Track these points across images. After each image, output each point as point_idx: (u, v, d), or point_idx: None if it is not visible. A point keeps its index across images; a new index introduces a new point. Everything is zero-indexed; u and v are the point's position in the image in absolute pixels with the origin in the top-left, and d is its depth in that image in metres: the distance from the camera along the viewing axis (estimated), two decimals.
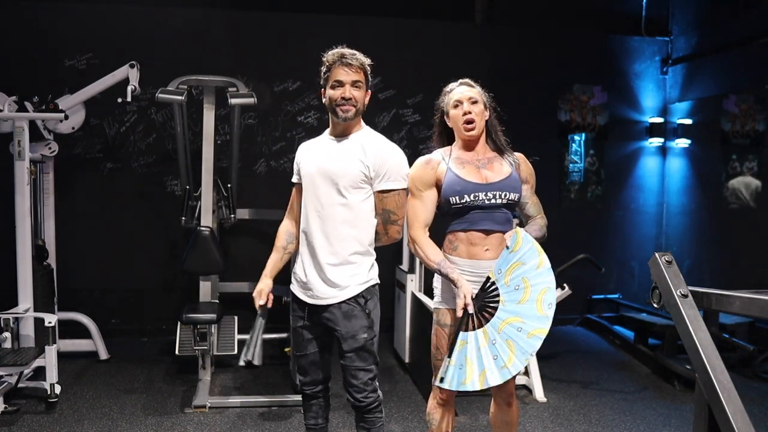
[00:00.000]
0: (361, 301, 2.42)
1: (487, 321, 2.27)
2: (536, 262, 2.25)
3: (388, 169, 2.40)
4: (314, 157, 2.45)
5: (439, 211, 2.46)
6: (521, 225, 2.44)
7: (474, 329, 2.27)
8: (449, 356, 2.30)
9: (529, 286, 2.24)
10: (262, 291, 2.50)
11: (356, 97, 2.36)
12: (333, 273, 2.39)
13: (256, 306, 2.51)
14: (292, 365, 4.13)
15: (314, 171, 2.41)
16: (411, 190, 2.45)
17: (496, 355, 2.21)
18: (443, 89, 2.53)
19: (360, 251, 2.42)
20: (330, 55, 2.39)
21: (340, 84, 2.35)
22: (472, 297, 2.28)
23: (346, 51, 2.39)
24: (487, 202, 2.36)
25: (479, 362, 2.23)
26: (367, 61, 2.41)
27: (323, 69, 2.41)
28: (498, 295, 2.27)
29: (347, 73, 2.35)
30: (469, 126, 2.41)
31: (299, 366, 2.56)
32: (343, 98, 2.35)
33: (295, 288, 2.52)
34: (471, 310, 2.26)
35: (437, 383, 2.35)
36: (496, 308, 2.27)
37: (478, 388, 2.23)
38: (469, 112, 2.40)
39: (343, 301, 2.40)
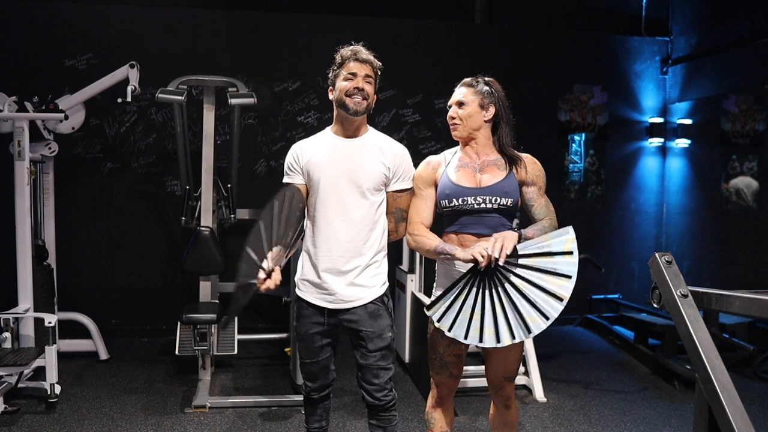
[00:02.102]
0: (385, 300, 2.45)
1: (503, 285, 2.22)
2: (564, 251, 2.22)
3: (404, 169, 2.45)
4: (330, 159, 2.38)
5: (436, 212, 2.47)
6: (521, 228, 2.41)
7: (491, 290, 2.23)
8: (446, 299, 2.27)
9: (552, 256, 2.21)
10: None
11: (368, 91, 2.36)
12: (359, 275, 2.38)
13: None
14: (292, 365, 4.13)
15: (336, 173, 2.36)
16: (414, 189, 2.47)
17: (517, 313, 2.19)
18: None
19: (382, 251, 2.45)
20: (345, 50, 2.40)
21: (354, 76, 2.35)
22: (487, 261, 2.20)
23: (361, 48, 2.40)
24: (476, 206, 2.33)
25: (494, 321, 2.21)
26: (378, 63, 2.42)
27: (335, 64, 2.41)
28: (517, 260, 2.22)
29: (361, 68, 2.36)
30: (451, 128, 2.44)
31: (309, 372, 2.52)
32: (356, 88, 2.34)
33: (307, 294, 2.44)
34: (498, 256, 2.17)
35: (437, 324, 2.29)
36: (511, 272, 2.22)
37: (493, 344, 2.21)
38: (453, 117, 2.42)
39: (370, 302, 2.40)
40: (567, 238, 2.21)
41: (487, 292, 2.24)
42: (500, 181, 2.36)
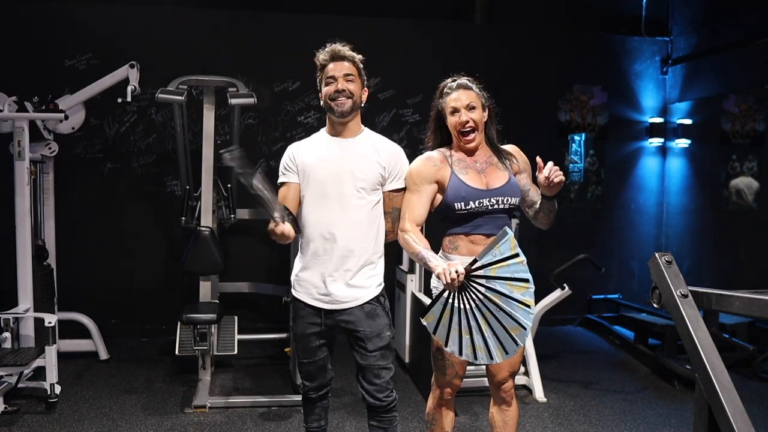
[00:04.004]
0: (381, 300, 2.44)
1: (478, 300, 2.20)
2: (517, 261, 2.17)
3: (399, 169, 2.44)
4: (326, 159, 2.38)
5: (440, 215, 2.44)
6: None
7: (470, 306, 2.21)
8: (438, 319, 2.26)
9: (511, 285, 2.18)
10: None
11: (350, 89, 2.34)
12: (356, 276, 2.38)
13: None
14: (292, 365, 4.13)
15: (332, 174, 2.36)
16: (408, 184, 2.44)
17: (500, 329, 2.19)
18: (439, 86, 2.47)
19: (378, 252, 2.44)
20: (321, 54, 2.39)
21: (333, 79, 2.35)
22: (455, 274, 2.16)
23: (336, 47, 2.38)
24: (490, 207, 2.36)
25: (484, 340, 2.21)
26: (358, 56, 2.40)
27: (317, 70, 2.41)
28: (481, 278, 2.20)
29: (338, 68, 2.35)
30: (468, 138, 2.38)
31: (306, 372, 2.52)
32: (336, 91, 2.33)
33: (303, 295, 2.44)
34: (457, 281, 2.16)
35: (444, 347, 2.28)
36: (480, 285, 2.19)
37: (487, 362, 2.22)
38: (467, 121, 2.37)
39: (366, 302, 2.40)
40: (508, 239, 2.14)
41: (468, 308, 2.20)
42: (508, 182, 2.39)
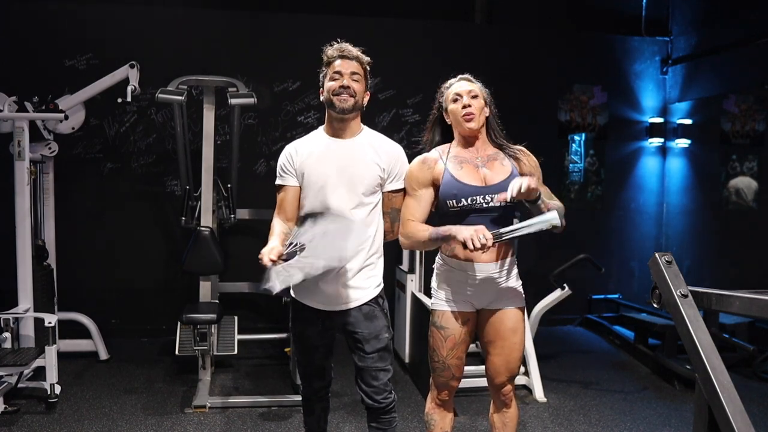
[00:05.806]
0: (380, 302, 2.42)
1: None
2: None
3: (399, 170, 2.41)
4: (324, 160, 2.35)
5: (437, 212, 2.43)
6: (522, 220, 2.38)
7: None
8: None
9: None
10: (273, 248, 2.14)
11: (355, 89, 2.32)
12: (354, 278, 2.35)
13: (266, 261, 2.10)
14: (292, 365, 4.13)
15: (330, 175, 2.33)
16: (407, 188, 2.42)
17: None
18: (442, 85, 2.48)
19: (377, 253, 2.42)
20: (330, 49, 2.37)
21: (339, 75, 2.32)
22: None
23: (346, 45, 2.37)
24: (485, 205, 2.32)
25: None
26: (366, 58, 2.38)
27: (323, 65, 2.39)
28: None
29: (346, 66, 2.33)
30: (469, 117, 2.35)
31: (305, 374, 2.52)
32: (341, 86, 2.30)
33: (302, 296, 2.43)
34: (490, 243, 2.18)
35: None
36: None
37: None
38: (469, 105, 2.35)
39: (364, 303, 2.38)
40: (546, 222, 2.19)
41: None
42: (507, 178, 2.34)
